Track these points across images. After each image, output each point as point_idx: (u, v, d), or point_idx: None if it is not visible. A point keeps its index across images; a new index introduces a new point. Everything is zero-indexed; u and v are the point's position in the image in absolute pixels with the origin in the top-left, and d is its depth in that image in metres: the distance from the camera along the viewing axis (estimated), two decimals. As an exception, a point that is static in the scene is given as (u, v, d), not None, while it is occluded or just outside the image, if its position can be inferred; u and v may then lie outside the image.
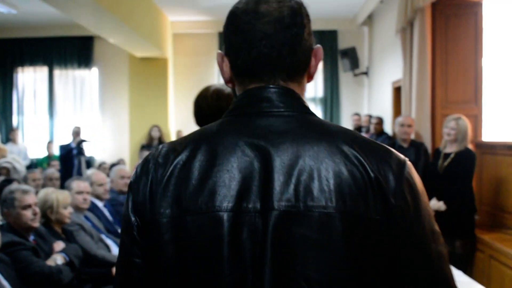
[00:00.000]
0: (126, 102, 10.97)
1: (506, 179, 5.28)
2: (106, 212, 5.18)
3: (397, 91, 8.14)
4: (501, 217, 5.31)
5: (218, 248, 1.01)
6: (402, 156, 1.09)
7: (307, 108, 1.13)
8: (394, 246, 1.02)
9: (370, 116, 9.07)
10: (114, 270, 4.20)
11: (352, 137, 1.07)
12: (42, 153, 10.94)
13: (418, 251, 1.03)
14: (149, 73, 10.66)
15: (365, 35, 10.62)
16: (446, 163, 5.02)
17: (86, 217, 4.71)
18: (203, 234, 1.02)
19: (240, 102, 1.13)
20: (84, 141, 8.66)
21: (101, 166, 9.35)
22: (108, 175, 6.20)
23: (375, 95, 9.91)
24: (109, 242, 4.67)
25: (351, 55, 10.36)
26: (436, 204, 4.91)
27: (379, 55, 9.45)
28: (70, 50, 11.32)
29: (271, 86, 1.11)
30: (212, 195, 1.03)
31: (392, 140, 6.52)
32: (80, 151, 8.67)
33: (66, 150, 8.77)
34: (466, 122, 5.07)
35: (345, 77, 11.04)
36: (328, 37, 10.87)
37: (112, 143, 11.38)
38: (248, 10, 1.11)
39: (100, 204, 5.18)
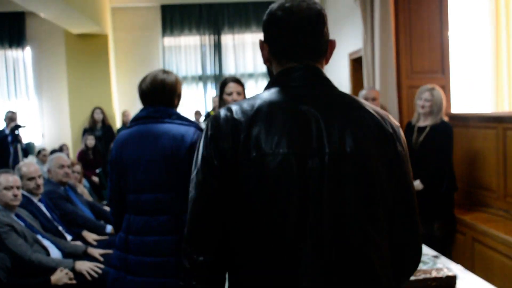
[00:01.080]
0: (65, 84, 10.21)
1: (481, 153, 4.90)
2: (42, 208, 4.54)
3: (355, 63, 7.74)
4: (478, 194, 4.94)
5: (290, 179, 1.34)
6: (395, 120, 1.53)
7: (329, 81, 1.52)
8: (396, 177, 1.44)
9: None
10: (52, 278, 3.61)
11: (370, 106, 1.49)
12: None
13: (405, 182, 1.46)
14: (88, 51, 9.95)
15: (318, 5, 10.11)
16: (421, 138, 4.59)
17: (18, 215, 4.07)
18: (278, 170, 1.35)
19: (283, 77, 1.50)
20: (19, 126, 7.86)
21: (40, 153, 8.64)
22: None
23: (331, 67, 9.46)
24: (46, 243, 4.05)
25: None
26: (412, 184, 4.50)
27: (334, 25, 8.98)
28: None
29: (303, 65, 1.49)
30: (282, 143, 1.36)
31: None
32: (16, 138, 7.89)
33: (-1, 138, 7.99)
34: (441, 93, 4.65)
35: (297, 50, 10.49)
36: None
37: (52, 128, 10.64)
38: (283, 8, 1.49)
39: (35, 199, 4.53)
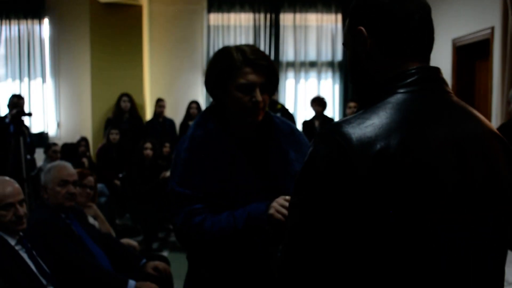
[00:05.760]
0: (87, 64, 8.96)
1: None
2: (23, 255, 2.75)
3: (459, 51, 6.48)
4: None
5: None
6: None
7: (447, 84, 1.33)
8: None
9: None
10: None
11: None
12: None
13: None
14: (117, 25, 8.75)
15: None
16: None
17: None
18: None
19: (405, 82, 1.23)
20: (24, 114, 6.10)
21: (50, 149, 6.95)
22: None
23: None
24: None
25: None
26: None
27: (433, 5, 7.26)
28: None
29: (423, 66, 1.24)
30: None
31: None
32: (19, 129, 6.13)
33: (-2, 127, 6.30)
34: None
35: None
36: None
37: (69, 117, 9.33)
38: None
39: (12, 240, 2.74)
